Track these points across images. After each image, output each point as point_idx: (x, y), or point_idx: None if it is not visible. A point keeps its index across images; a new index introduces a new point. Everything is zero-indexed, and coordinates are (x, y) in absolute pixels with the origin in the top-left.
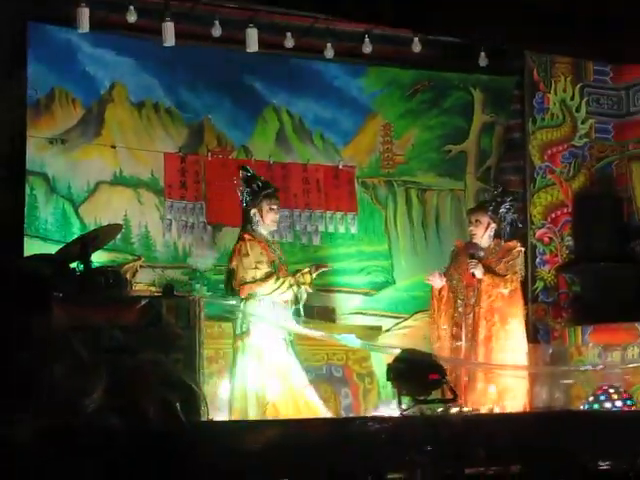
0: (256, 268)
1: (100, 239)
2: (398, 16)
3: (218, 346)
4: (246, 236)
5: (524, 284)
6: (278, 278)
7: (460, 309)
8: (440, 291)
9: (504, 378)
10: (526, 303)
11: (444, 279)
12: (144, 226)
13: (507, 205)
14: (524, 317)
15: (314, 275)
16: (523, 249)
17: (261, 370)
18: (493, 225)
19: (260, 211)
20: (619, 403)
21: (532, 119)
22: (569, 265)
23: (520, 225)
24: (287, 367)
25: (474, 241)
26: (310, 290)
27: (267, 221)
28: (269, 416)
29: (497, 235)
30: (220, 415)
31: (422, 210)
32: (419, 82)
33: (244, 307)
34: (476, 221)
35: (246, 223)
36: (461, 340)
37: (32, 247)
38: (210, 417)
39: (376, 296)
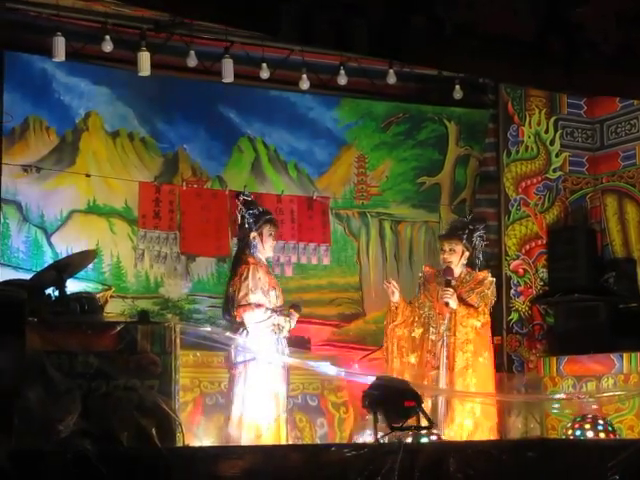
0: (251, 293)
1: (75, 265)
2: (373, 46)
3: (194, 375)
4: (250, 260)
5: (499, 315)
6: (267, 310)
7: (433, 337)
8: (397, 307)
9: (477, 411)
10: (500, 334)
11: (398, 295)
12: (116, 256)
13: (480, 233)
14: (493, 350)
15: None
16: (494, 279)
17: (258, 398)
18: (467, 254)
19: (261, 235)
20: (601, 431)
21: (506, 152)
22: (543, 296)
23: (490, 253)
24: (280, 395)
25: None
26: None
27: (266, 247)
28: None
29: (468, 264)
30: (197, 442)
31: (395, 242)
32: (394, 114)
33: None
34: (450, 250)
35: (244, 248)
36: (436, 368)
37: (4, 276)
38: (186, 443)
39: (345, 328)
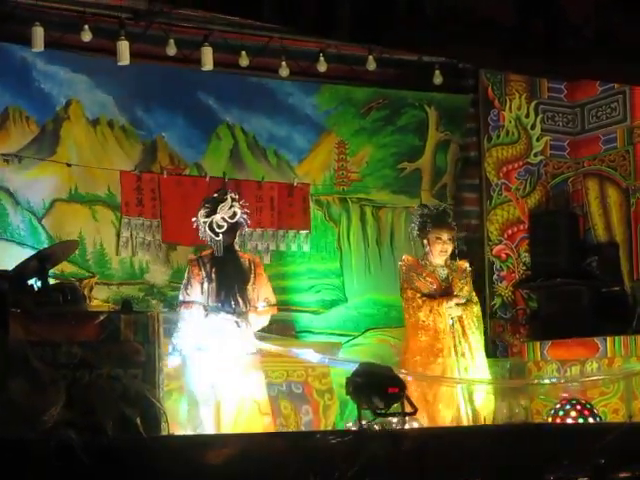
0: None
1: (57, 255)
2: (354, 31)
3: None
4: (259, 259)
5: (482, 300)
6: None
7: (441, 325)
8: None
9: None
10: (484, 319)
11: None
12: (99, 243)
13: (455, 223)
14: None
15: None
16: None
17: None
18: None
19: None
20: (581, 415)
21: (487, 136)
22: (526, 281)
23: (472, 238)
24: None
25: (440, 260)
26: None
27: None
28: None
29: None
30: (182, 431)
31: (376, 227)
32: (373, 100)
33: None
34: (450, 239)
35: (234, 243)
36: (443, 355)
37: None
38: (171, 432)
39: (325, 314)
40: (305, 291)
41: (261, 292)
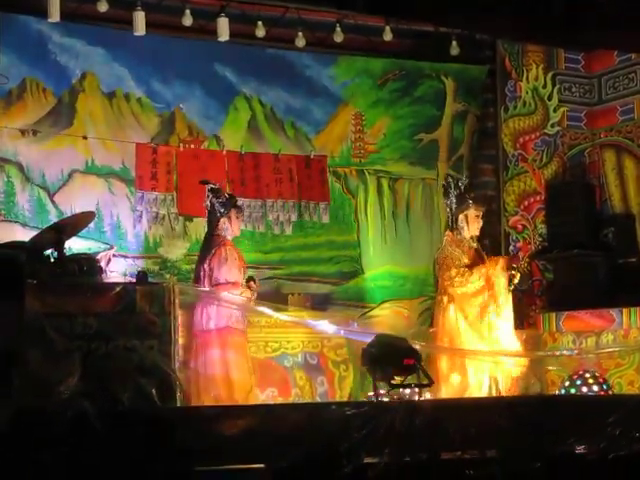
0: (230, 272)
1: (73, 227)
2: (370, 3)
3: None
4: (227, 242)
5: None
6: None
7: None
8: None
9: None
10: None
11: None
12: (116, 216)
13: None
14: None
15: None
16: None
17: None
18: None
19: (229, 220)
20: (595, 387)
21: (504, 107)
22: (542, 252)
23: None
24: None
25: (473, 233)
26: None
27: (234, 228)
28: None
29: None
30: (196, 401)
31: (393, 199)
32: (390, 71)
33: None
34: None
35: (215, 230)
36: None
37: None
38: (186, 403)
39: (344, 285)
40: (324, 262)
41: (214, 272)
